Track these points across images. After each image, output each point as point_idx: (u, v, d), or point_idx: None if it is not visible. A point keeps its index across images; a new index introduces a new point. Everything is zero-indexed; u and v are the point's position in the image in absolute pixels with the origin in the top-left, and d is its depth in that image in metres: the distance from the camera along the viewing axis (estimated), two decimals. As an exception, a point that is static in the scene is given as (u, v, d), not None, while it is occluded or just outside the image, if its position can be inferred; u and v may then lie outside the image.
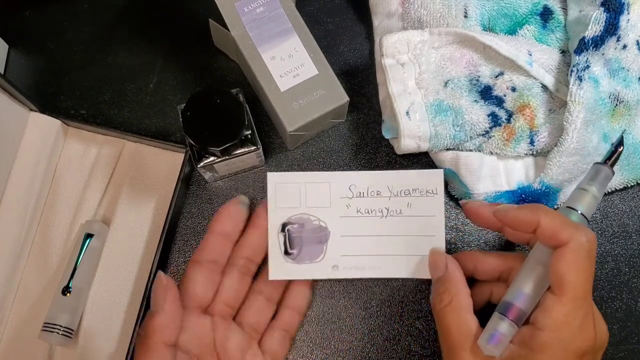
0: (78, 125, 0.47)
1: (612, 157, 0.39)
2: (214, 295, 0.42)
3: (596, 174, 0.39)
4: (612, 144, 0.40)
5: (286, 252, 0.43)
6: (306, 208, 0.43)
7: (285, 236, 0.43)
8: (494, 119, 0.44)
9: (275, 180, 0.43)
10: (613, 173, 0.40)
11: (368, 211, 0.43)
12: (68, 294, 0.43)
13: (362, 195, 0.43)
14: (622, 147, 0.40)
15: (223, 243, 0.43)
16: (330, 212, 0.43)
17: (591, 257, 0.35)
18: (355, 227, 0.43)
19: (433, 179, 0.43)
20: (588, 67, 0.42)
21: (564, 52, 0.45)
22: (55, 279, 0.44)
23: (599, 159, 0.44)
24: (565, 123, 0.42)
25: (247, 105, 0.43)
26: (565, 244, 0.35)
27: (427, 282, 0.46)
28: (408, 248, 0.43)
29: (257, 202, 0.47)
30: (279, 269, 0.43)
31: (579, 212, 0.38)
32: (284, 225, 0.43)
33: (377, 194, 0.43)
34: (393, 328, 0.45)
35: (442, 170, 0.44)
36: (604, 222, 0.47)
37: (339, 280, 0.46)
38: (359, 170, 0.48)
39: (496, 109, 0.44)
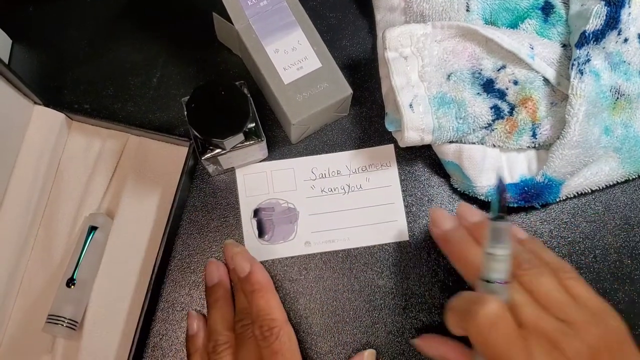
0: (82, 118, 0.47)
1: (502, 206, 0.37)
2: None
3: (495, 233, 0.36)
4: (495, 193, 0.39)
5: (260, 235, 0.47)
6: (274, 193, 0.47)
7: (257, 221, 0.47)
8: (497, 112, 0.44)
9: (243, 172, 0.47)
10: (509, 220, 0.39)
11: (331, 189, 0.48)
12: (72, 286, 0.43)
13: (324, 176, 0.48)
14: (506, 192, 0.39)
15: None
16: (297, 195, 0.47)
17: (493, 327, 0.33)
18: (321, 206, 0.47)
19: (386, 152, 0.48)
20: (589, 60, 0.43)
21: (565, 45, 0.46)
22: (60, 271, 0.44)
23: (601, 151, 0.45)
24: (567, 116, 0.42)
25: (251, 98, 0.44)
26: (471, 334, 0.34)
27: (431, 275, 0.46)
28: (372, 217, 0.47)
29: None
30: (256, 251, 0.46)
31: (494, 281, 0.36)
32: (255, 212, 0.47)
33: (338, 173, 0.48)
34: (397, 321, 0.45)
35: (391, 145, 0.48)
36: (606, 214, 0.48)
37: (343, 273, 0.46)
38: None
39: (498, 102, 0.44)
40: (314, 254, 0.47)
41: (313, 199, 0.47)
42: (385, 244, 0.47)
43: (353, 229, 0.47)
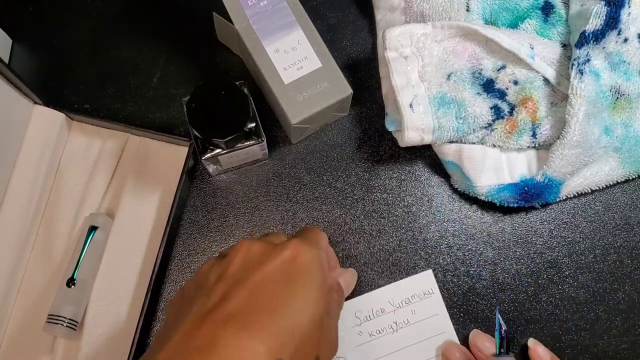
0: (82, 118, 0.47)
1: (504, 344, 0.41)
2: None
3: None
4: (497, 330, 0.41)
5: None
6: None
7: None
8: (497, 112, 0.44)
9: None
10: (513, 353, 0.42)
11: (379, 331, 0.45)
12: (72, 286, 0.43)
13: (369, 318, 0.45)
14: (504, 328, 0.41)
15: None
16: (345, 345, 0.44)
17: None
18: (372, 351, 0.44)
19: (426, 280, 0.46)
20: (589, 60, 0.43)
21: (565, 45, 0.46)
22: (60, 271, 0.44)
23: (601, 151, 0.45)
24: (567, 116, 0.42)
25: (251, 98, 0.44)
26: None
27: (434, 274, 0.46)
28: (425, 352, 0.44)
29: (259, 196, 0.47)
30: None
31: None
32: None
33: (382, 312, 0.45)
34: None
35: (430, 270, 0.46)
36: (606, 214, 0.48)
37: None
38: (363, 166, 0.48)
39: (499, 102, 0.44)
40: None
41: (363, 346, 0.44)
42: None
43: None
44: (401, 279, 0.46)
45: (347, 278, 0.44)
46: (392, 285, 0.46)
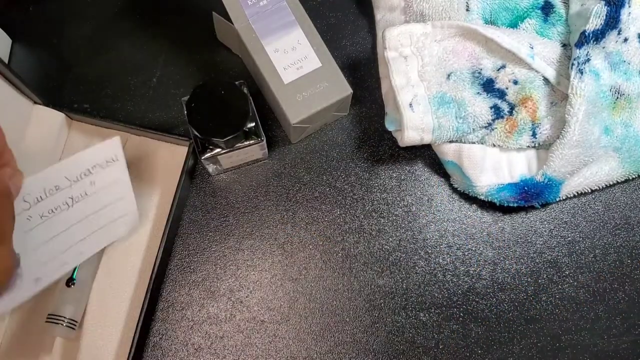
0: (82, 118, 0.47)
1: None
2: None
3: None
4: None
5: None
6: None
7: None
8: (497, 112, 0.44)
9: None
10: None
11: (52, 210, 0.39)
12: (72, 286, 0.43)
13: (40, 199, 0.38)
14: None
15: None
16: (15, 234, 0.36)
17: None
18: (44, 233, 0.39)
19: (111, 147, 0.40)
20: (589, 60, 0.43)
21: (565, 45, 0.46)
22: (59, 271, 0.44)
23: (601, 151, 0.45)
24: (567, 116, 0.42)
25: (251, 98, 0.44)
26: None
27: (433, 274, 0.46)
28: (103, 219, 0.41)
29: (259, 196, 0.47)
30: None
31: None
32: None
33: (57, 189, 0.39)
34: (397, 320, 0.45)
35: (117, 137, 0.41)
36: (606, 214, 0.48)
37: (343, 273, 0.46)
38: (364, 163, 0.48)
39: (498, 102, 0.44)
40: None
41: (33, 231, 0.38)
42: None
43: (87, 239, 0.40)
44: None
45: (18, 181, 0.36)
46: (71, 158, 0.39)
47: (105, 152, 0.40)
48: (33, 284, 0.37)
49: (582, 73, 0.42)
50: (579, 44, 0.43)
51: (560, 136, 0.43)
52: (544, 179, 0.44)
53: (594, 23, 0.42)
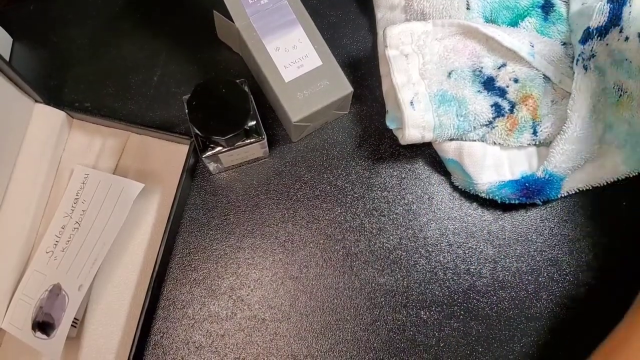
0: (83, 117, 0.47)
1: None
2: None
3: None
4: None
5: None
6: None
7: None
8: (497, 110, 0.44)
9: None
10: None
11: (67, 241, 0.44)
12: (73, 284, 0.43)
13: (56, 244, 0.44)
14: None
15: None
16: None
17: None
18: (70, 257, 0.43)
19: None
20: (593, 56, 0.43)
21: (565, 44, 0.46)
22: (60, 270, 0.44)
23: (604, 147, 0.45)
24: (569, 111, 0.42)
25: (252, 96, 0.44)
26: None
27: (434, 272, 0.46)
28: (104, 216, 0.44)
29: (259, 195, 0.47)
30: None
31: None
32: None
33: (64, 228, 0.44)
34: (397, 318, 0.45)
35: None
36: (607, 212, 0.48)
37: (343, 271, 0.46)
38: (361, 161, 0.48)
39: (499, 100, 0.44)
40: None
41: (61, 262, 0.43)
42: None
43: (102, 235, 0.43)
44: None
45: None
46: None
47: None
48: (77, 292, 0.42)
49: (586, 69, 0.42)
50: (583, 40, 0.43)
51: (562, 131, 0.43)
52: (545, 175, 0.44)
53: (598, 20, 0.43)
